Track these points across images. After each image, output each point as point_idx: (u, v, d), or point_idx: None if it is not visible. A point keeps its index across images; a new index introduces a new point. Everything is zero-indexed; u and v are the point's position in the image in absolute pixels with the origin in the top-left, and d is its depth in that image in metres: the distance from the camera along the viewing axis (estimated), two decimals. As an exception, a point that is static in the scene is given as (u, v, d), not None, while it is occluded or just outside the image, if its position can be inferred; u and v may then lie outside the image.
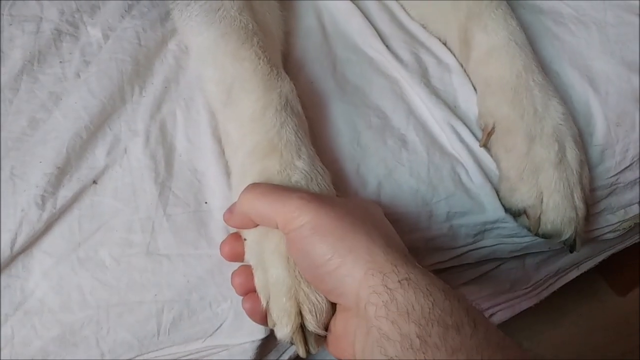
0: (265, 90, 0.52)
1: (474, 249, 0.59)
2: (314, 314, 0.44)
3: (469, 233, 0.57)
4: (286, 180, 0.48)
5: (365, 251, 0.40)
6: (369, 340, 0.38)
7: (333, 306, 0.44)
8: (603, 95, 0.62)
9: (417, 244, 0.56)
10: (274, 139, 0.50)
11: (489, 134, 0.58)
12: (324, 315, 0.44)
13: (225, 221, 0.49)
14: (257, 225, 0.46)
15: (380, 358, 0.37)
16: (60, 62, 0.58)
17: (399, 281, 0.38)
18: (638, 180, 0.63)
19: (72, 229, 0.50)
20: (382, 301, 0.38)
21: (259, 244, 0.47)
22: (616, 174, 0.61)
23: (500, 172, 0.57)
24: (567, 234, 0.56)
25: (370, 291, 0.39)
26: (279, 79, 0.54)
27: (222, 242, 0.49)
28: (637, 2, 0.68)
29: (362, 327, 0.39)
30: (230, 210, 0.48)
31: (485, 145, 0.58)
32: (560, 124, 0.57)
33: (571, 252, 0.58)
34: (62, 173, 0.51)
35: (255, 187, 0.46)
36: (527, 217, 0.56)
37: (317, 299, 0.44)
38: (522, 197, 0.55)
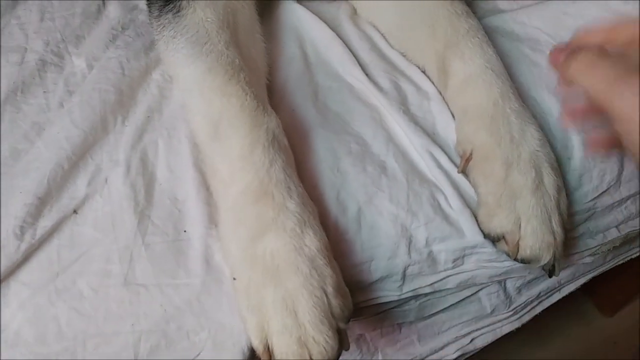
0: (253, 127, 0.53)
1: (453, 274, 0.59)
2: None
3: (449, 258, 0.58)
4: (282, 230, 0.49)
5: None
6: None
7: None
8: (579, 121, 0.63)
9: (397, 270, 0.57)
10: (265, 179, 0.51)
11: (467, 161, 0.58)
12: None
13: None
14: None
15: None
16: (44, 92, 0.59)
17: None
18: (615, 204, 0.64)
19: (50, 260, 0.50)
20: None
21: None
22: (594, 199, 0.62)
23: (478, 198, 0.58)
24: (546, 259, 0.56)
25: None
26: (266, 114, 0.54)
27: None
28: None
29: None
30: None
31: (463, 171, 0.59)
32: (537, 150, 0.58)
33: (550, 276, 0.59)
34: (42, 203, 0.52)
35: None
36: (506, 242, 0.56)
37: None
38: (500, 222, 0.56)
